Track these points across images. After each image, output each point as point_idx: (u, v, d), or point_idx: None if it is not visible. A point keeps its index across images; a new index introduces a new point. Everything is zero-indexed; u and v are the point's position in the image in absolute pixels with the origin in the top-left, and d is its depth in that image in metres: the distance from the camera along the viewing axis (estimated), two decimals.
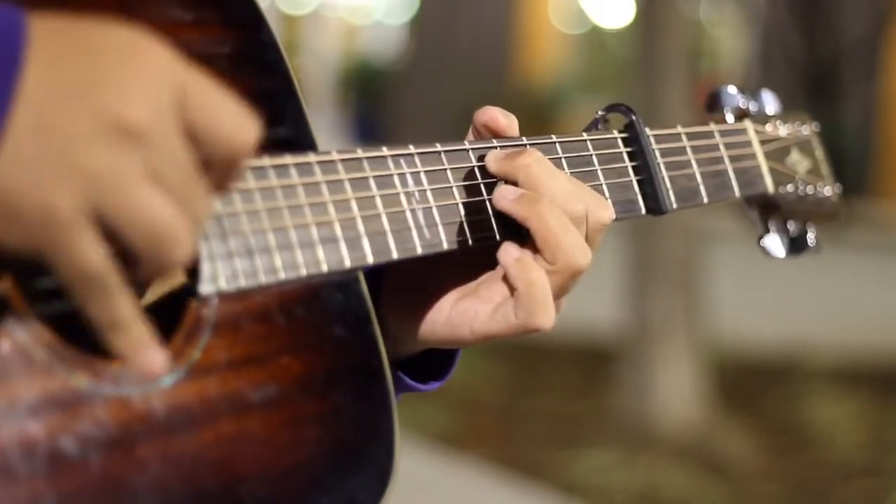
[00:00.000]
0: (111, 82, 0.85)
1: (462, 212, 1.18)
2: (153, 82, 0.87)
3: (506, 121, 1.23)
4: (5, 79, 0.83)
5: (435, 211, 1.16)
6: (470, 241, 1.18)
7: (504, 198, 1.18)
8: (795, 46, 18.58)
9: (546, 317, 1.17)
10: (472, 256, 1.23)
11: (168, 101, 0.87)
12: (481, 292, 1.21)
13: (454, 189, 1.18)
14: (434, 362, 1.30)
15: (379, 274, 1.26)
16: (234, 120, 0.90)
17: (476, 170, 1.20)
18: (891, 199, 18.93)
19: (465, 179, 1.19)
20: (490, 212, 1.20)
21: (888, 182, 19.24)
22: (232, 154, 0.90)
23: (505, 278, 1.19)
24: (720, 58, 21.11)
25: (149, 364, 0.90)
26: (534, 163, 1.19)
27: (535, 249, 1.18)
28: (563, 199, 1.18)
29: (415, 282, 1.25)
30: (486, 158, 1.20)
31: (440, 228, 1.16)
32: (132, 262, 0.88)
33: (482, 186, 1.20)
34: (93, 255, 0.86)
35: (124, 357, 0.90)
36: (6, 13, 0.85)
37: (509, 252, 1.17)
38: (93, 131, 0.84)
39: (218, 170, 0.91)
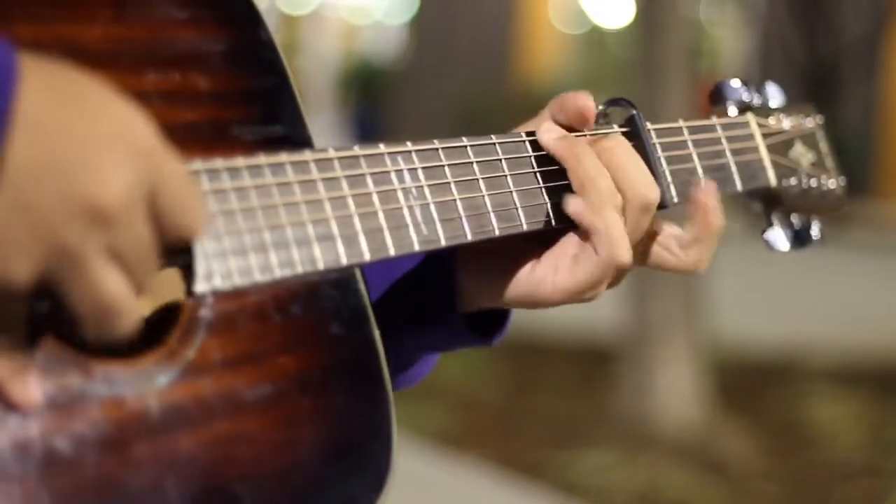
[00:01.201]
0: (89, 162, 0.88)
1: (460, 207, 1.18)
2: (130, 167, 0.90)
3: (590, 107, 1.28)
4: None
5: (433, 207, 1.15)
6: (469, 237, 1.18)
7: (548, 131, 1.25)
8: (795, 46, 18.58)
9: (627, 251, 1.22)
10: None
11: (141, 189, 0.91)
12: (555, 250, 1.25)
13: (452, 185, 1.17)
14: (486, 317, 1.32)
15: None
16: (192, 213, 0.94)
17: (474, 165, 1.20)
18: (891, 199, 18.93)
19: (463, 175, 1.19)
20: (488, 207, 1.19)
21: (888, 182, 19.24)
22: (179, 241, 0.95)
23: (576, 231, 1.24)
24: (720, 58, 21.11)
25: (15, 394, 0.92)
26: (615, 146, 1.26)
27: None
28: (632, 181, 1.25)
29: (492, 246, 1.26)
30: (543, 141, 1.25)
31: (438, 225, 1.15)
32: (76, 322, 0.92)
33: (481, 182, 1.20)
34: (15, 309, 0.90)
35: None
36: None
37: (576, 203, 1.22)
38: (63, 210, 0.87)
39: (162, 248, 0.95)
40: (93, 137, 0.88)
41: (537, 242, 1.27)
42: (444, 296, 1.28)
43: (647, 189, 1.25)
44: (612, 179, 1.24)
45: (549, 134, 1.25)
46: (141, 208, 0.91)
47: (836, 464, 6.75)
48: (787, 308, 11.05)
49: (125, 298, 0.91)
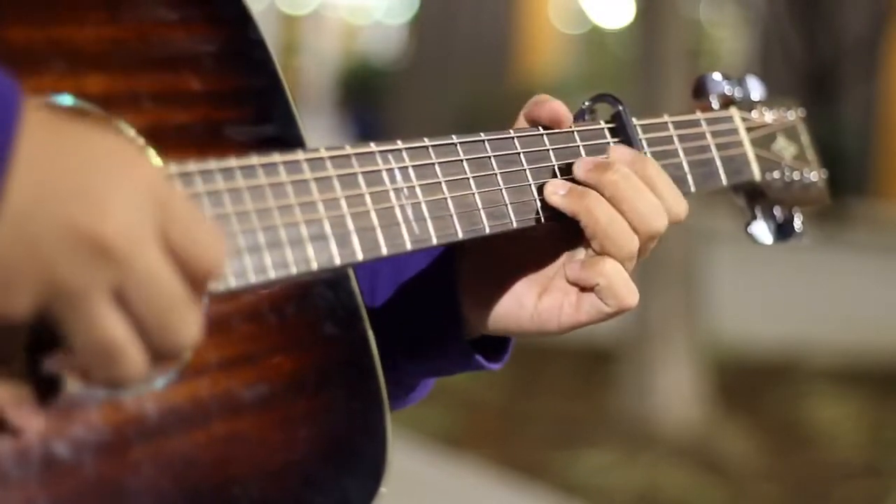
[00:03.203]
0: (91, 195, 0.85)
1: (451, 206, 1.18)
2: (135, 202, 0.86)
3: (568, 119, 1.28)
4: None
5: (424, 206, 1.15)
6: (460, 235, 1.18)
7: (554, 194, 1.24)
8: (795, 46, 18.57)
9: (633, 295, 1.23)
10: (544, 245, 1.27)
11: (148, 223, 0.87)
12: (560, 284, 1.25)
13: (443, 184, 1.17)
14: (487, 339, 1.32)
15: (454, 265, 1.28)
16: (212, 242, 0.90)
17: (464, 163, 1.20)
18: (891, 199, 18.93)
19: (453, 174, 1.19)
20: (478, 205, 1.20)
21: (888, 182, 19.23)
22: (204, 277, 0.90)
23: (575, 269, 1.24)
24: (720, 58, 21.10)
25: (19, 421, 0.90)
26: (621, 179, 1.24)
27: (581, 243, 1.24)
28: (644, 213, 1.24)
29: (491, 271, 1.27)
30: (575, 167, 1.25)
31: (429, 223, 1.15)
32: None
33: (471, 180, 1.20)
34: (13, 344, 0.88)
35: None
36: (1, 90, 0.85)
37: (571, 265, 1.23)
38: (67, 243, 0.84)
39: (190, 288, 0.90)
40: (96, 170, 0.86)
41: (533, 261, 1.27)
42: (449, 324, 1.28)
43: (656, 220, 1.25)
44: (623, 220, 1.23)
45: (556, 194, 1.24)
46: (151, 243, 0.87)
47: (836, 464, 6.75)
48: (787, 308, 11.05)
49: (125, 343, 0.86)
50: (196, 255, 0.88)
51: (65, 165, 0.85)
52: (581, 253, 1.25)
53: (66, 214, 0.84)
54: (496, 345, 1.32)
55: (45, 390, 0.92)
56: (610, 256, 1.22)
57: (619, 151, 1.28)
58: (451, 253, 1.29)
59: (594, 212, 1.22)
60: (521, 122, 1.29)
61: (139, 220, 0.86)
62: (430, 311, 1.28)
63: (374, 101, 22.77)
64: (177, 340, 0.88)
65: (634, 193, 1.24)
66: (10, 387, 0.89)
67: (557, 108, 1.27)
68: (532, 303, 1.26)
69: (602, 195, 1.23)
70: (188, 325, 0.89)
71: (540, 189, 1.24)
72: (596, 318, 1.24)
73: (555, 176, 1.25)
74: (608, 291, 1.22)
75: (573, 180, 1.25)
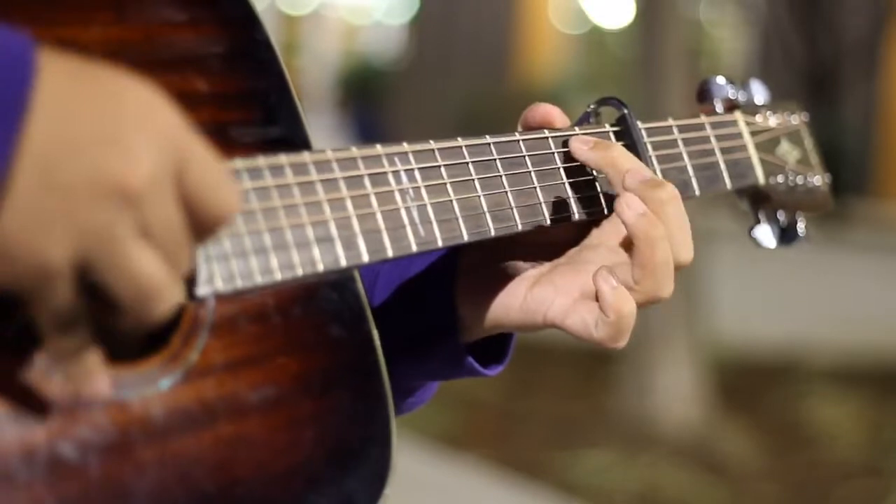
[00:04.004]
0: (116, 141, 0.86)
1: (456, 208, 1.18)
2: (157, 147, 0.88)
3: (561, 118, 1.28)
4: (10, 123, 0.84)
5: (429, 208, 1.15)
6: (465, 237, 1.18)
7: (632, 210, 1.20)
8: (795, 46, 18.57)
9: (624, 340, 1.22)
10: (543, 241, 1.26)
11: (168, 167, 0.88)
12: (556, 281, 1.24)
13: (448, 186, 1.18)
14: (488, 346, 1.32)
15: (452, 262, 1.28)
16: (224, 193, 0.92)
17: (470, 165, 1.20)
18: (891, 199, 18.93)
19: (459, 176, 1.19)
20: (484, 208, 1.20)
21: (888, 182, 19.23)
22: (215, 223, 0.92)
23: (581, 269, 1.24)
24: (720, 58, 21.10)
25: (94, 390, 0.92)
26: (670, 199, 1.22)
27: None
28: (679, 245, 1.23)
29: (488, 268, 1.27)
30: (626, 182, 1.22)
31: (435, 226, 1.15)
32: (115, 312, 0.89)
33: (476, 183, 1.20)
34: (70, 303, 0.88)
35: (71, 382, 0.92)
36: (15, 44, 0.85)
37: (607, 279, 1.21)
38: (93, 190, 0.85)
39: (197, 232, 0.92)
40: (118, 116, 0.87)
41: (533, 257, 1.27)
42: (443, 324, 1.28)
43: (687, 254, 1.25)
44: (672, 263, 1.22)
45: (633, 210, 1.21)
46: (168, 189, 0.88)
47: (836, 464, 6.76)
48: (787, 308, 11.05)
49: (164, 279, 0.89)
50: (209, 203, 0.91)
51: (88, 111, 0.86)
52: (593, 260, 1.24)
53: (93, 162, 0.85)
54: (492, 352, 1.32)
55: (112, 350, 0.94)
56: (640, 290, 1.21)
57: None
58: (449, 252, 1.29)
59: (656, 245, 1.20)
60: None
61: (160, 165, 0.88)
62: (425, 311, 1.28)
63: (374, 101, 22.77)
64: (184, 273, 0.92)
65: (677, 217, 1.23)
66: (79, 355, 0.90)
67: (548, 109, 1.28)
68: (522, 293, 1.25)
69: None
70: (186, 267, 0.92)
71: (545, 192, 1.24)
72: (581, 334, 1.22)
73: (559, 179, 1.25)
74: (613, 328, 1.20)
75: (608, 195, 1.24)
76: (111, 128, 0.86)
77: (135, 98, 0.88)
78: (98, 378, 0.92)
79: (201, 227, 0.92)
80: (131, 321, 0.90)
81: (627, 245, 1.23)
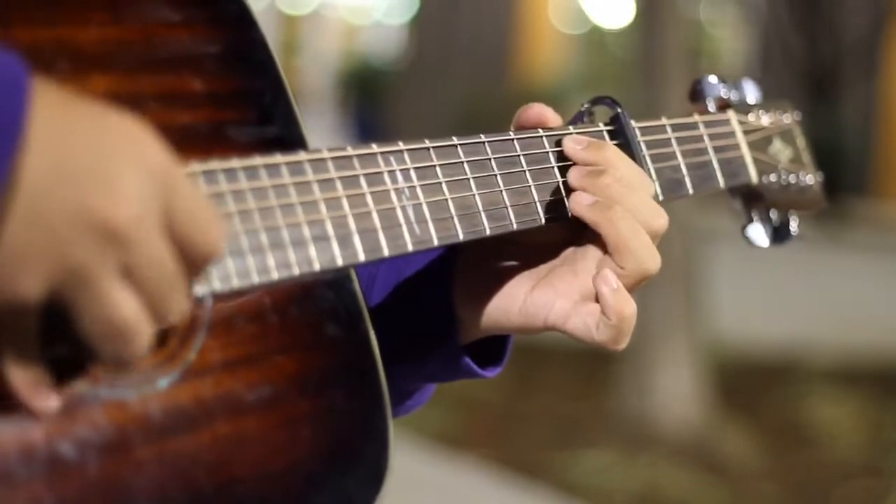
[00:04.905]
0: (103, 175, 0.86)
1: (452, 207, 1.18)
2: (145, 185, 0.87)
3: (555, 118, 1.29)
4: (6, 150, 0.83)
5: (425, 207, 1.15)
6: (461, 236, 1.18)
7: (579, 204, 1.23)
8: (795, 46, 18.58)
9: (626, 342, 1.22)
10: (538, 240, 1.26)
11: (155, 204, 0.88)
12: (556, 284, 1.25)
13: (443, 185, 1.18)
14: (486, 348, 1.32)
15: (450, 264, 1.28)
16: (213, 228, 0.92)
17: (465, 164, 1.20)
18: (891, 199, 18.93)
19: (454, 175, 1.19)
20: (479, 207, 1.20)
21: (888, 182, 19.24)
22: (204, 259, 0.92)
23: (580, 271, 1.24)
24: (720, 58, 21.11)
25: (38, 404, 0.91)
26: (614, 182, 1.23)
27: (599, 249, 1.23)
28: (642, 212, 1.23)
29: (485, 269, 1.27)
30: (569, 181, 1.24)
31: (430, 225, 1.15)
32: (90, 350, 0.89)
33: (472, 182, 1.20)
34: (30, 332, 0.88)
35: (15, 390, 0.91)
36: (9, 69, 0.85)
37: (608, 281, 1.21)
38: (77, 225, 0.85)
39: (187, 268, 0.92)
40: (107, 152, 0.86)
41: (530, 259, 1.27)
42: (441, 324, 1.28)
43: (655, 217, 1.24)
44: (647, 236, 1.22)
45: (581, 203, 1.23)
46: (154, 227, 0.88)
47: (836, 464, 6.76)
48: (787, 308, 11.06)
49: (137, 320, 0.88)
50: (197, 240, 0.90)
51: (77, 145, 0.86)
52: (590, 260, 1.24)
53: (80, 197, 0.85)
54: (490, 354, 1.32)
55: (60, 374, 0.93)
56: (627, 272, 1.21)
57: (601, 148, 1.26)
58: (447, 253, 1.29)
59: (617, 224, 1.21)
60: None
61: (148, 204, 0.87)
62: (423, 310, 1.29)
63: (374, 101, 22.77)
64: (169, 318, 0.91)
65: (630, 193, 1.23)
66: (26, 370, 0.90)
67: (541, 109, 1.28)
68: (522, 296, 1.25)
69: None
70: (181, 304, 0.92)
71: (539, 190, 1.25)
72: (582, 337, 1.23)
73: (554, 178, 1.26)
74: (613, 331, 1.21)
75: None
76: (100, 162, 0.86)
77: (123, 133, 0.88)
78: (42, 392, 0.91)
79: (191, 263, 0.91)
80: (102, 357, 0.90)
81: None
